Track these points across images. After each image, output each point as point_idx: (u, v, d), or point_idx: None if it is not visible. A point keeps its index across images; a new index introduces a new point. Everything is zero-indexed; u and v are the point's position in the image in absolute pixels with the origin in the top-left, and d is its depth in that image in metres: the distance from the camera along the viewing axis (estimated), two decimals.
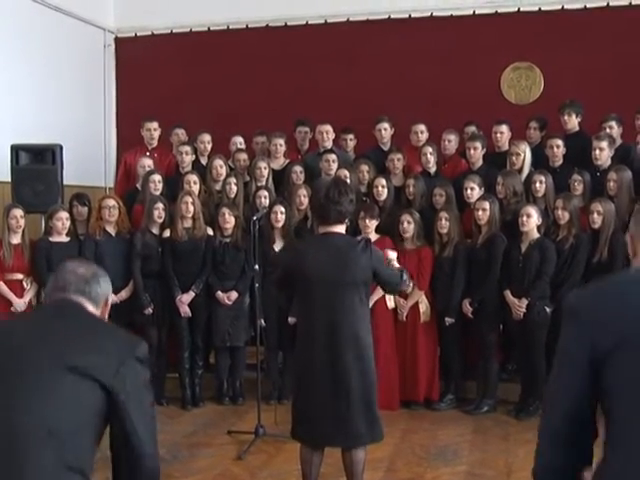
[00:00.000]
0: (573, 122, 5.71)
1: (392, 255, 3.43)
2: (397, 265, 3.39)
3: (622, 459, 1.33)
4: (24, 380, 1.56)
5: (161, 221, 5.31)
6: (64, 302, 1.74)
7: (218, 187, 5.80)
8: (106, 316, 1.80)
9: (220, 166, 5.77)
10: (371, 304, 5.00)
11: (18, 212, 5.09)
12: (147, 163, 5.90)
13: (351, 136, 6.23)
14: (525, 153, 5.47)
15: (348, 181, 5.30)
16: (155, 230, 5.32)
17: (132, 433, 1.58)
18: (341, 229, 3.23)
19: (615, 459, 1.35)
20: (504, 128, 5.85)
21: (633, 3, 6.39)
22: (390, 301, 5.21)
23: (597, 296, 1.42)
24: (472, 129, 6.09)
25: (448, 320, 5.12)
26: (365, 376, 3.15)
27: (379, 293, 5.10)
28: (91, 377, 1.55)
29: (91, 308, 1.75)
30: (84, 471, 1.56)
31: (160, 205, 5.30)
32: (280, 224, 5.24)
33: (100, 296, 1.78)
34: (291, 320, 5.06)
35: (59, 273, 1.78)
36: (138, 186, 5.91)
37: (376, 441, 3.22)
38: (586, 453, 1.42)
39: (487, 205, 5.02)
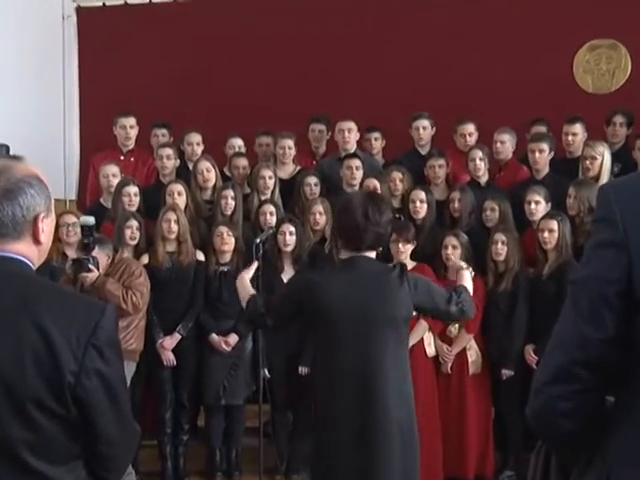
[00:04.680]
0: None
1: (467, 279, 3.73)
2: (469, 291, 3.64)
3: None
4: None
5: (134, 243, 5.58)
6: None
7: (206, 197, 6.09)
8: (42, 238, 1.81)
9: (207, 169, 6.03)
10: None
11: None
12: (112, 171, 6.17)
13: (377, 135, 6.49)
14: (604, 157, 5.69)
15: (377, 191, 5.57)
16: (127, 255, 5.57)
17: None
18: (371, 254, 3.47)
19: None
20: (578, 128, 6.09)
21: None
22: (430, 347, 5.43)
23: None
24: (541, 129, 6.32)
25: (506, 373, 5.31)
26: (409, 442, 3.35)
27: (416, 337, 5.32)
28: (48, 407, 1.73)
29: (17, 247, 1.76)
30: None
31: (133, 223, 5.57)
32: (290, 247, 5.48)
33: (28, 213, 1.78)
34: (303, 370, 5.33)
35: None
36: (102, 201, 6.21)
37: None
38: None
39: (555, 225, 5.23)
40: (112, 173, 6.17)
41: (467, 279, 3.83)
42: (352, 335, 3.35)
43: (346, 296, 3.38)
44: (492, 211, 5.64)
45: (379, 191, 5.64)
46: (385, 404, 3.31)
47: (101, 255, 5.09)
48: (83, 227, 4.79)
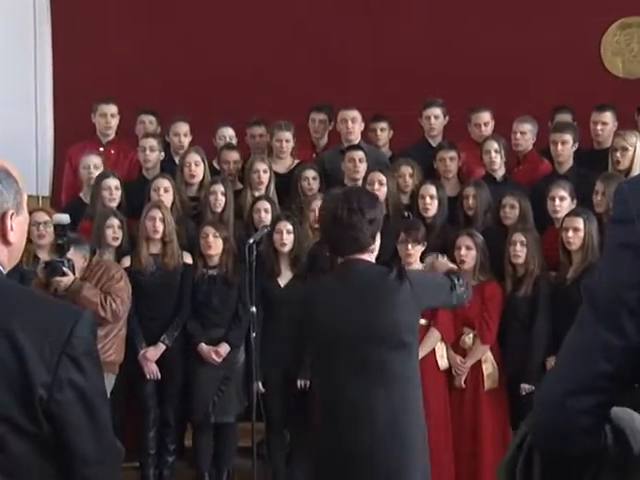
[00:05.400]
0: None
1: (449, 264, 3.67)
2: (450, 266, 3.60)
3: None
4: None
5: (116, 244, 5.64)
6: None
7: (192, 193, 6.15)
8: (11, 238, 1.82)
9: (196, 163, 6.07)
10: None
11: None
12: (94, 162, 6.21)
13: (383, 124, 6.53)
14: (636, 148, 5.74)
15: (382, 187, 5.66)
16: (107, 257, 5.62)
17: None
18: (367, 256, 3.39)
19: None
20: (608, 116, 6.15)
21: None
22: (442, 359, 5.47)
23: None
24: (565, 117, 6.35)
25: (525, 388, 5.34)
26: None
27: (427, 348, 5.36)
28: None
29: None
30: None
31: (114, 222, 5.62)
32: (287, 248, 5.52)
33: None
34: (301, 384, 5.35)
35: None
36: (82, 196, 6.27)
37: None
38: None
39: (581, 223, 5.27)
40: (94, 164, 6.20)
41: (448, 265, 3.76)
42: (348, 356, 3.31)
43: (340, 310, 3.34)
44: (512, 208, 5.67)
45: (384, 187, 5.71)
46: (385, 433, 3.27)
47: (77, 257, 5.12)
48: (57, 226, 4.80)
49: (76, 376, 1.72)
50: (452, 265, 3.74)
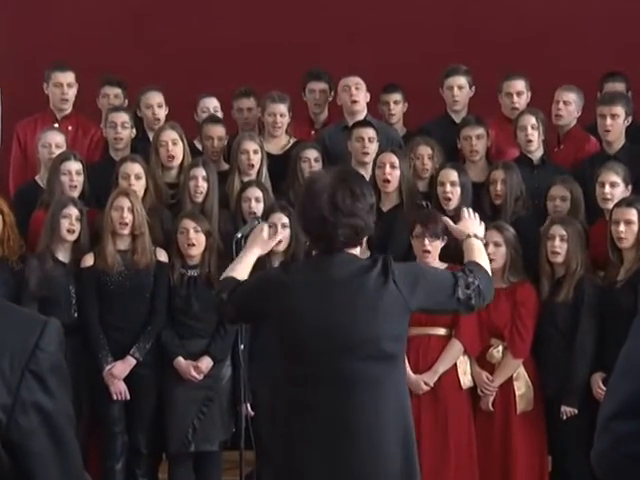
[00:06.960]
0: None
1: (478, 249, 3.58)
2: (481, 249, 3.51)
3: None
4: None
5: (72, 238, 5.73)
6: None
7: (170, 178, 6.23)
8: None
9: (173, 141, 6.15)
10: (436, 378, 5.44)
11: None
12: (55, 140, 6.29)
13: (397, 96, 6.65)
14: None
15: (395, 170, 5.81)
16: (63, 254, 5.77)
17: None
18: (353, 250, 3.41)
19: None
20: None
21: None
22: (466, 376, 5.55)
23: None
24: (617, 86, 6.45)
25: (567, 410, 5.44)
26: None
27: (447, 362, 5.50)
28: None
29: None
30: None
31: (72, 211, 5.70)
32: (281, 245, 5.53)
33: None
34: None
35: None
36: (38, 179, 6.35)
37: None
38: None
39: (634, 214, 5.36)
40: (55, 143, 6.28)
41: (478, 249, 3.67)
42: (322, 366, 3.33)
43: (314, 311, 3.34)
44: (563, 201, 5.72)
45: (398, 170, 5.84)
46: (368, 457, 3.31)
47: None
48: None
49: (41, 397, 1.74)
50: (479, 252, 3.66)
